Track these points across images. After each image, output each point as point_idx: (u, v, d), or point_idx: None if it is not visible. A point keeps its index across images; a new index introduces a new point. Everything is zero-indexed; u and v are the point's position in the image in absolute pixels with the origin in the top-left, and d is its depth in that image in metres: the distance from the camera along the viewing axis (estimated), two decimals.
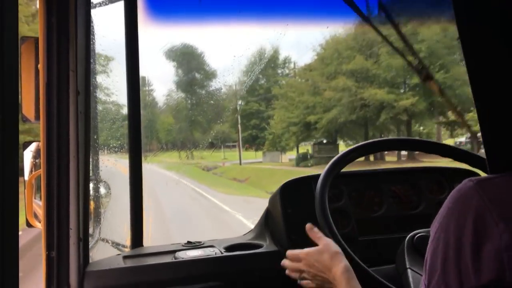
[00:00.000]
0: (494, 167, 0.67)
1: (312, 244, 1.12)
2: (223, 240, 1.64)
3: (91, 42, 1.39)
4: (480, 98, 0.67)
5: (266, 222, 1.66)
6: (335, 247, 1.06)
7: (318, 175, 1.26)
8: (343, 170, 1.29)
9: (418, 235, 1.19)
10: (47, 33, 1.23)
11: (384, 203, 1.59)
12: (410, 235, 1.22)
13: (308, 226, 1.15)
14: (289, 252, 1.16)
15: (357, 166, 1.61)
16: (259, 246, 1.57)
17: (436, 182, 1.66)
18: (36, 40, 1.25)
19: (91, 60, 1.38)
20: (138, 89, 1.59)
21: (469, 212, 0.62)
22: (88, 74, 1.33)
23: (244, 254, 1.52)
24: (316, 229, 1.14)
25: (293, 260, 1.14)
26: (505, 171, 0.65)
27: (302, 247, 1.12)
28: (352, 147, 1.34)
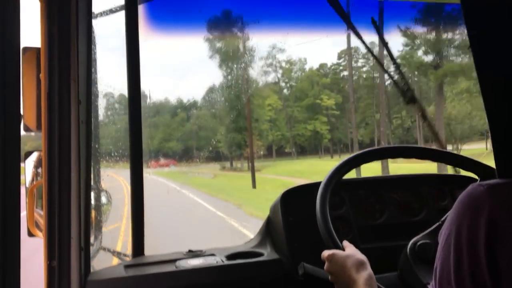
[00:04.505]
0: (502, 172, 0.67)
1: (312, 252, 1.12)
2: (224, 249, 1.63)
3: (92, 52, 1.40)
4: (490, 102, 0.68)
5: (267, 230, 1.65)
6: (361, 255, 1.05)
7: (319, 183, 1.25)
8: (344, 177, 1.29)
9: (419, 243, 1.19)
10: (48, 43, 1.23)
11: (386, 211, 1.58)
12: (410, 243, 1.21)
13: (324, 254, 1.09)
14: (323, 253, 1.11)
15: None
16: (260, 255, 1.56)
17: (437, 189, 1.65)
18: (37, 50, 1.25)
19: (92, 70, 1.39)
20: (139, 98, 1.60)
21: (481, 217, 0.60)
22: (89, 83, 1.34)
23: (245, 263, 1.51)
24: (331, 250, 1.08)
25: (323, 260, 1.10)
26: None
27: (303, 255, 1.11)
28: (353, 154, 1.34)
